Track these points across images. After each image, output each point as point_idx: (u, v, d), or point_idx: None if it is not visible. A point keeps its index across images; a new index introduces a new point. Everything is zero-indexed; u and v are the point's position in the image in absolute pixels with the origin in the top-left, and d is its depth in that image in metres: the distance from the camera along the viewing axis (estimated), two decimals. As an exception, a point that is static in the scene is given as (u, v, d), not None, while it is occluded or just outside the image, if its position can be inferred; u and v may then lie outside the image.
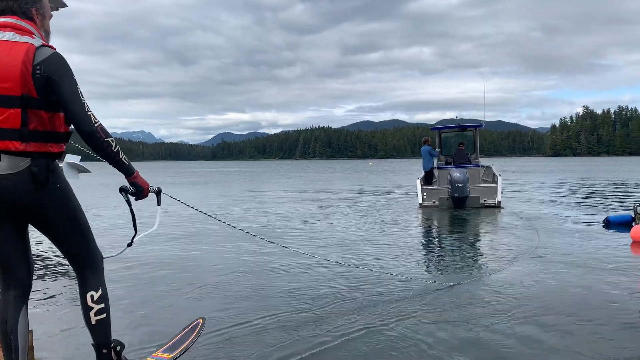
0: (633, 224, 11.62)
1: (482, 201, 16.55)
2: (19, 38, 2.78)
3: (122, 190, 3.26)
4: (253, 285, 6.91)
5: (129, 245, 3.46)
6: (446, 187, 16.25)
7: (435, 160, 18.79)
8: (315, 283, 6.91)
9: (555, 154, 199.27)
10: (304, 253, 7.81)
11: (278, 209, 18.15)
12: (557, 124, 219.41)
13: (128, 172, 3.14)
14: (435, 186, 17.69)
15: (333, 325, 5.13)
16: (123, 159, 3.03)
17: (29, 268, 3.08)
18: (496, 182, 17.08)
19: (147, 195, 3.30)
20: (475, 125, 20.12)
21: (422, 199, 16.98)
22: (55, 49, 2.82)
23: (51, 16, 3.02)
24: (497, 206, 16.48)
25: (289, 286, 6.78)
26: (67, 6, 4.35)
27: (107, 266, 3.37)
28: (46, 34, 3.03)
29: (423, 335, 4.82)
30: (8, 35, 2.77)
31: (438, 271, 7.80)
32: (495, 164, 19.56)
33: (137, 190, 3.21)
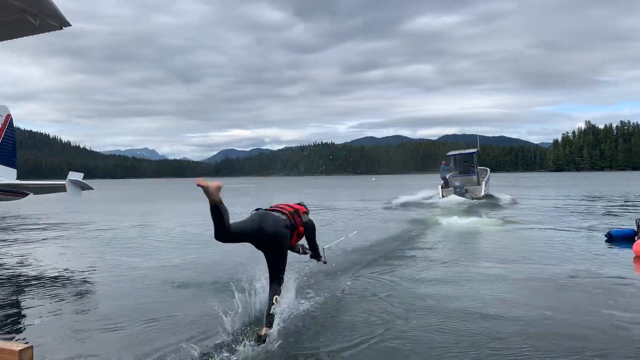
0: (636, 238, 11.56)
1: (473, 195, 27.42)
2: None
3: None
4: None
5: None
6: (452, 188, 28.42)
7: (448, 174, 30.76)
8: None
9: (558, 168, 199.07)
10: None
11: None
12: (559, 139, 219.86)
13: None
14: (448, 188, 28.87)
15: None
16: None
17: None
18: (481, 184, 28.83)
19: None
20: (472, 152, 32.22)
21: (442, 195, 28.04)
22: None
23: None
24: (482, 198, 27.22)
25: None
26: (70, 25, 4.42)
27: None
28: None
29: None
30: None
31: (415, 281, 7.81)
32: (496, 178, 29.87)
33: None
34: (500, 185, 39.11)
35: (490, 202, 25.73)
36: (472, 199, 26.70)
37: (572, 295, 6.88)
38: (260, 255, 5.77)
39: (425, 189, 32.25)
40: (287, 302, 5.75)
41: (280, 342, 5.09)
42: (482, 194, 27.70)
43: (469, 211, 21.02)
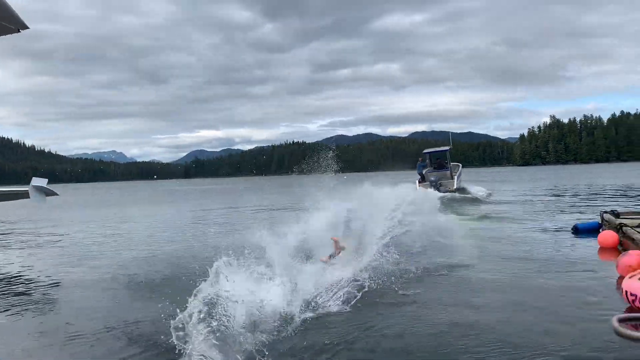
0: (600, 230, 11.92)
1: (447, 189, 29.62)
2: None
3: None
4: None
5: None
6: (428, 182, 30.86)
7: (424, 170, 33.14)
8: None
9: (525, 163, 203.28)
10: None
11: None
12: (526, 134, 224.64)
13: None
14: (425, 182, 31.44)
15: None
16: None
17: None
18: (453, 178, 31.46)
19: None
20: (445, 149, 35.31)
21: (417, 186, 29.80)
22: None
23: None
24: (455, 191, 29.37)
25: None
26: (28, 27, 4.25)
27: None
28: None
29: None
30: None
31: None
32: (467, 173, 29.63)
33: None
34: (471, 179, 40.50)
35: (463, 197, 27.17)
36: (446, 192, 29.32)
37: (541, 291, 7.01)
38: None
39: (401, 185, 32.11)
40: None
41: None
42: (455, 187, 30.82)
43: (446, 207, 21.18)
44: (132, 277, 9.04)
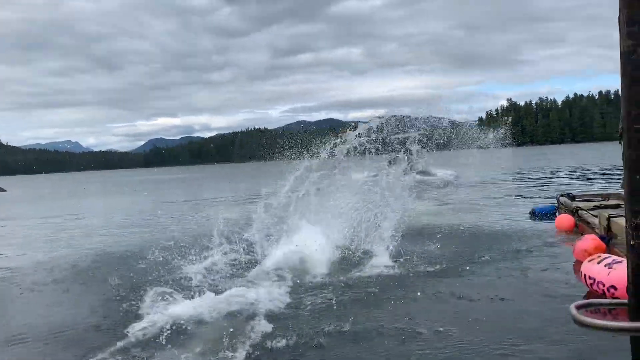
0: (557, 213, 12.08)
1: (414, 170, 30.51)
2: None
3: None
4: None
5: None
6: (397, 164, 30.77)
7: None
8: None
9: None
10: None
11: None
12: (484, 117, 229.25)
13: None
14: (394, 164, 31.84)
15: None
16: None
17: None
18: (419, 160, 31.84)
19: None
20: (414, 134, 36.12)
21: (387, 168, 30.02)
22: None
23: None
24: (422, 171, 26.65)
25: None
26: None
27: None
28: None
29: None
30: None
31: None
32: (430, 156, 32.54)
33: None
34: (436, 163, 42.22)
35: (428, 181, 28.03)
36: (414, 171, 33.20)
37: (497, 281, 6.98)
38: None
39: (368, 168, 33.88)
40: None
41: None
42: (420, 168, 33.98)
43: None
44: (77, 275, 8.60)
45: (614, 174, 27.96)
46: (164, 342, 4.98)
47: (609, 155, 54.30)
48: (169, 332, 5.19)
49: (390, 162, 33.85)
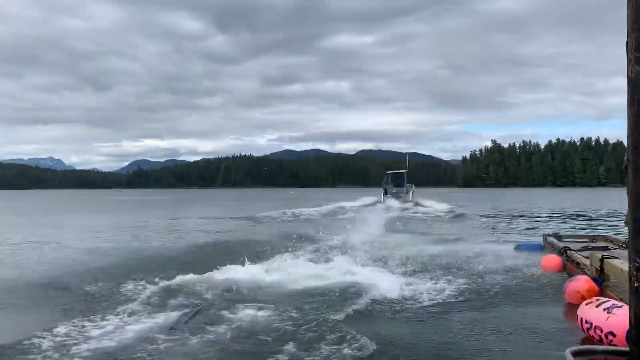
0: (543, 253, 11.74)
1: (404, 200, 39.74)
2: None
3: None
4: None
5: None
6: (391, 195, 42.81)
7: (387, 187, 45.03)
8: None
9: (467, 184, 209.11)
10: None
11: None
12: (468, 156, 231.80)
13: None
14: (387, 195, 43.29)
15: None
16: None
17: None
18: (409, 193, 43.47)
19: None
20: (403, 172, 48.30)
21: (383, 199, 41.47)
22: None
23: None
24: (410, 201, 39.90)
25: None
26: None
27: None
28: None
29: None
30: None
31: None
32: (417, 191, 36.48)
33: None
34: (422, 196, 46.07)
35: (415, 214, 31.01)
36: (404, 202, 39.80)
37: (488, 324, 6.54)
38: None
39: (366, 196, 46.57)
40: None
41: None
42: (410, 199, 42.34)
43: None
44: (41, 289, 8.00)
45: (597, 217, 28.01)
46: None
47: (590, 200, 54.91)
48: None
49: (385, 191, 40.23)
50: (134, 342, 5.37)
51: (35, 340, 5.47)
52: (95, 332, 5.78)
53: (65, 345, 5.35)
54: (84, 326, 6.02)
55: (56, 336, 5.67)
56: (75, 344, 5.36)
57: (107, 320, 6.24)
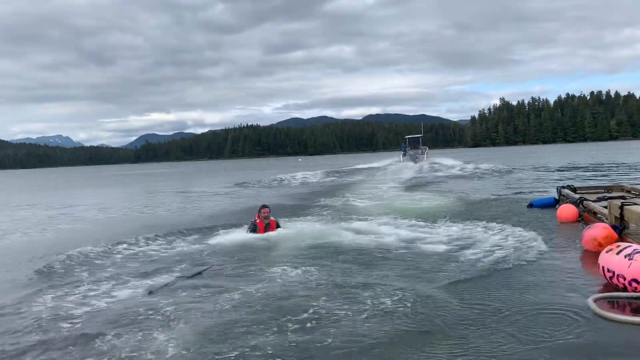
0: (557, 205, 11.58)
1: (420, 161, 47.05)
2: None
3: None
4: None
5: None
6: (409, 156, 52.25)
7: (405, 149, 57.42)
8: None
9: (476, 144, 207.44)
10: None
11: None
12: (477, 116, 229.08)
13: None
14: (405, 156, 53.37)
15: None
16: None
17: None
18: (424, 154, 53.10)
19: None
20: (419, 136, 61.57)
21: (402, 160, 50.93)
22: None
23: None
24: (425, 161, 46.26)
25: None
26: None
27: None
28: None
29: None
30: None
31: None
32: (431, 153, 55.37)
33: None
34: (435, 156, 54.53)
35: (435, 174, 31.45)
36: (420, 162, 45.76)
37: (509, 278, 6.43)
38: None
39: (387, 159, 54.12)
40: None
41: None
42: (425, 159, 49.11)
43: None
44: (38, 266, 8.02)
45: (609, 169, 27.68)
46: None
47: (602, 153, 54.31)
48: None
49: (404, 153, 47.60)
50: (129, 305, 5.49)
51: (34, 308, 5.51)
52: (91, 294, 6.05)
53: (61, 307, 5.51)
54: (79, 288, 6.23)
55: (54, 298, 5.94)
56: (74, 307, 5.46)
57: (101, 285, 6.48)
